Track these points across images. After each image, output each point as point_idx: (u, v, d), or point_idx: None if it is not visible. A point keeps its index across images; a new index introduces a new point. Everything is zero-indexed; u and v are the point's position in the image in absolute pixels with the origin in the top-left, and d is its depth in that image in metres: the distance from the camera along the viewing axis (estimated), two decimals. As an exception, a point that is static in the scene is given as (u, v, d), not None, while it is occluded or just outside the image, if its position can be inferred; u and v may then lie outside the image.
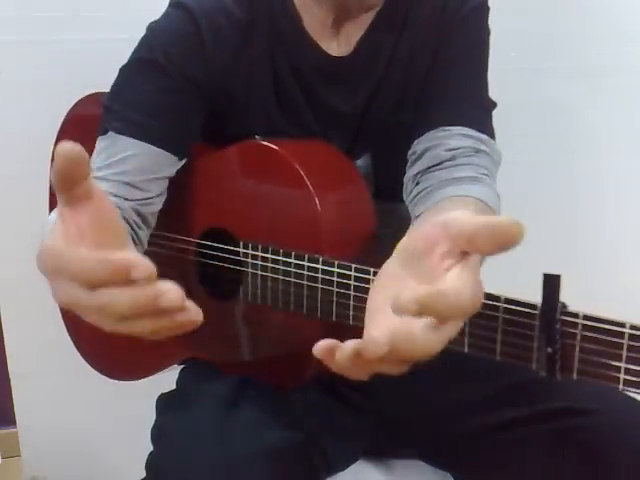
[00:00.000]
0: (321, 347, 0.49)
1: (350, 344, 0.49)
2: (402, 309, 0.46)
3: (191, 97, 0.88)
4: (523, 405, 0.82)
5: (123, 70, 0.90)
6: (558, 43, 1.43)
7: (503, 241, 0.47)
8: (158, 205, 0.89)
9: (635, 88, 1.47)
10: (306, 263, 0.78)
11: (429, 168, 0.85)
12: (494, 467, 0.85)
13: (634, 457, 0.75)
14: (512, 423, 0.82)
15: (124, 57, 0.90)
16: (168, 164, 0.88)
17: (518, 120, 1.39)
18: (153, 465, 0.81)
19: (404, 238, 0.57)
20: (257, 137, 0.89)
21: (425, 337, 0.48)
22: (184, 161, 0.90)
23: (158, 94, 0.88)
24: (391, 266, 0.56)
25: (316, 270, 0.77)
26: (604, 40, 1.43)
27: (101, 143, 0.88)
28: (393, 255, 0.57)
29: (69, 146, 0.45)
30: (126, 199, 0.85)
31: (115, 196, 0.84)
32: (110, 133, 0.87)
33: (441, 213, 0.72)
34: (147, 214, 0.87)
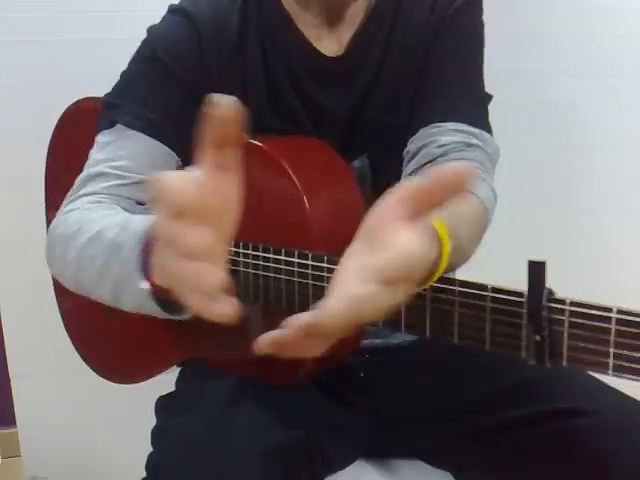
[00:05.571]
0: (265, 341, 0.52)
1: (304, 317, 0.51)
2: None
3: (191, 95, 0.87)
4: (523, 406, 0.81)
5: (125, 71, 0.91)
6: (558, 43, 1.43)
7: (451, 183, 0.49)
8: None
9: (635, 89, 1.46)
10: (296, 260, 0.78)
11: (422, 166, 0.86)
12: (494, 467, 0.84)
13: (633, 458, 0.74)
14: (512, 424, 0.81)
15: (124, 57, 0.91)
16: (173, 166, 0.88)
17: (520, 120, 1.38)
18: (154, 466, 0.81)
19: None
20: (244, 135, 0.89)
21: (376, 299, 0.51)
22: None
23: (163, 91, 0.88)
24: (352, 246, 0.57)
25: (306, 266, 0.76)
26: (606, 40, 1.43)
27: (106, 136, 0.87)
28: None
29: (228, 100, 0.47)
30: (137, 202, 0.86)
31: (128, 199, 0.85)
32: (119, 126, 0.86)
33: None
34: None
